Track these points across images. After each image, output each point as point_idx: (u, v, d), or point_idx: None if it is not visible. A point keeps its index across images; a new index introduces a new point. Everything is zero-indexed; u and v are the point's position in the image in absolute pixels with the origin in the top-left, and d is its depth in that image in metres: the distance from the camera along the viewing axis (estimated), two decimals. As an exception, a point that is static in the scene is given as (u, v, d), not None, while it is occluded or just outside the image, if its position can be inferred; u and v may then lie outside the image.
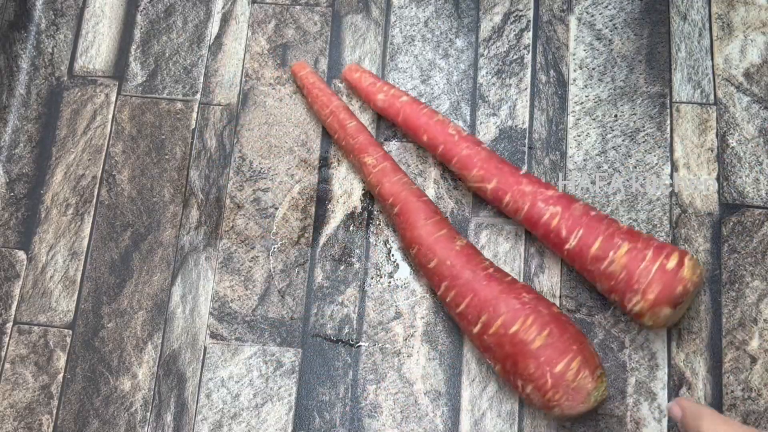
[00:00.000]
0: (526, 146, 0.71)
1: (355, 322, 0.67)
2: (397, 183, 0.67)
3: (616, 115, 0.72)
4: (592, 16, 0.75)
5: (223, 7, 0.76)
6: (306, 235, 0.69)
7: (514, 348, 0.59)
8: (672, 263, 0.60)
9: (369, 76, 0.72)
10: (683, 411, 0.55)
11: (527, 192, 0.65)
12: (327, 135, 0.72)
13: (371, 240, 0.69)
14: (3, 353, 0.67)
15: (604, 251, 0.62)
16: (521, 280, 0.67)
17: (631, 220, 0.68)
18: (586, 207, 0.64)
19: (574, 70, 0.73)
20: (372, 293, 0.68)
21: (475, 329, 0.61)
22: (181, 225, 0.69)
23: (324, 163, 0.71)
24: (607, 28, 0.74)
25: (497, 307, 0.60)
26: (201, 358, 0.66)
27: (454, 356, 0.66)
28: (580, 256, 0.64)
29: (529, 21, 0.75)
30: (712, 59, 0.73)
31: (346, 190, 0.70)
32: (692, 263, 0.60)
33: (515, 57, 0.73)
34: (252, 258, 0.68)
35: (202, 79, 0.74)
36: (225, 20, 0.76)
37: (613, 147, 0.71)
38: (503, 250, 0.68)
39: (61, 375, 0.66)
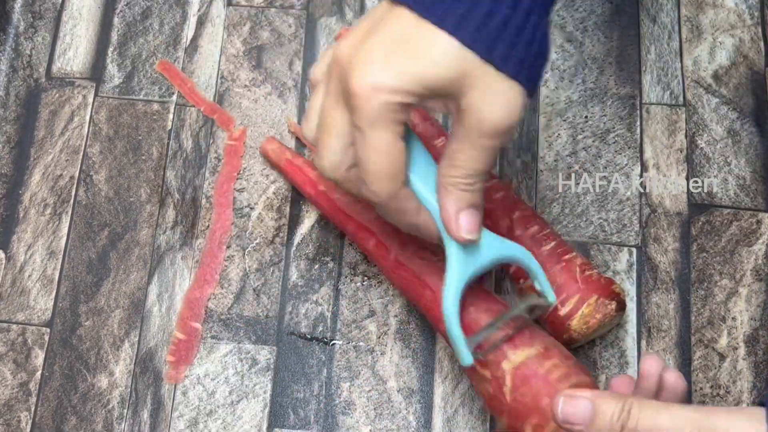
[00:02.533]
0: (498, 147, 0.71)
1: (329, 320, 0.67)
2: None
3: (586, 117, 0.72)
4: (563, 18, 0.75)
5: (198, 10, 0.77)
6: (281, 234, 0.70)
7: None
8: (565, 309, 0.62)
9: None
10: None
11: None
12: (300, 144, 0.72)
13: (345, 239, 0.69)
14: (-19, 351, 0.67)
15: (516, 276, 0.65)
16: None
17: (601, 220, 0.69)
18: (518, 221, 0.65)
19: (546, 72, 0.74)
20: (346, 292, 0.68)
21: None
22: (158, 224, 0.70)
23: (299, 163, 0.71)
24: (577, 30, 0.75)
25: None
26: (177, 355, 0.67)
27: (426, 354, 0.66)
28: (505, 270, 0.67)
29: (501, 23, 0.75)
30: (681, 61, 0.74)
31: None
32: (589, 310, 0.61)
33: (487, 59, 0.74)
34: (227, 257, 0.69)
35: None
36: (201, 23, 0.76)
37: (583, 148, 0.71)
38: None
39: (39, 372, 0.66)
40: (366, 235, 0.65)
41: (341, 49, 0.49)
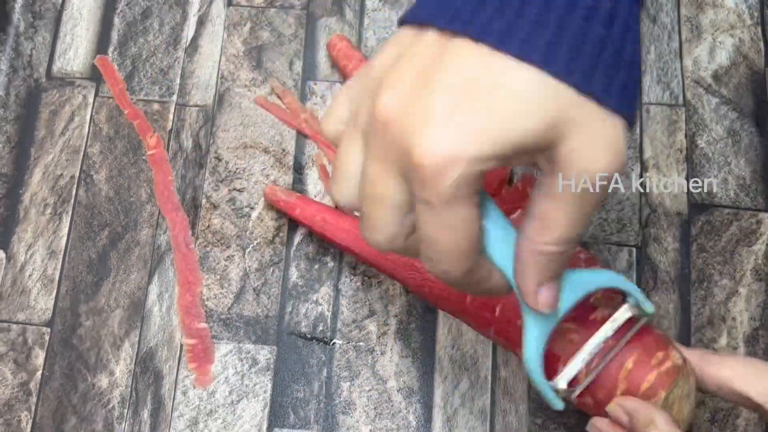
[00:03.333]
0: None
1: (329, 320, 0.67)
2: None
3: (586, 117, 0.72)
4: (563, 18, 0.75)
5: (199, 10, 0.77)
6: (281, 234, 0.70)
7: None
8: None
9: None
10: (631, 414, 0.49)
11: None
12: (301, 135, 0.72)
13: (345, 239, 0.69)
14: (-18, 351, 0.67)
15: None
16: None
17: (601, 220, 0.69)
18: (520, 217, 0.64)
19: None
20: (346, 292, 0.68)
21: None
22: (158, 224, 0.70)
23: (299, 163, 0.71)
24: (577, 30, 0.75)
25: None
26: (177, 355, 0.67)
27: (426, 354, 0.66)
28: None
29: (501, 23, 0.75)
30: (681, 61, 0.74)
31: (321, 190, 0.70)
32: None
33: (487, 59, 0.74)
34: (227, 257, 0.69)
35: (178, 80, 0.74)
36: (201, 23, 0.76)
37: (583, 148, 0.71)
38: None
39: (40, 372, 0.66)
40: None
41: (387, 105, 0.39)
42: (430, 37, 0.39)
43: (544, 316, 0.45)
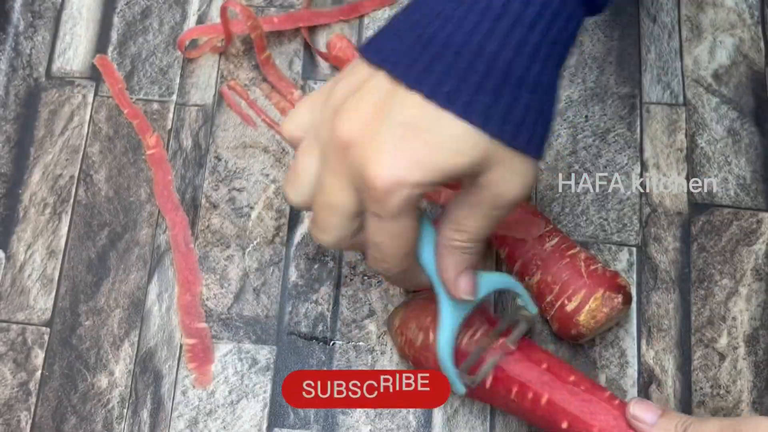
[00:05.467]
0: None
1: (329, 320, 0.67)
2: None
3: (586, 116, 0.72)
4: (564, 18, 0.75)
5: (198, 9, 0.76)
6: (281, 234, 0.70)
7: None
8: (572, 305, 0.62)
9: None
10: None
11: None
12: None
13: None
14: (-19, 351, 0.67)
15: (522, 273, 0.65)
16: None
17: (601, 220, 0.69)
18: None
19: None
20: (346, 292, 0.68)
21: None
22: (158, 224, 0.70)
23: (298, 163, 0.71)
24: (577, 29, 0.75)
25: None
26: (177, 355, 0.67)
27: (426, 353, 0.66)
28: (510, 267, 0.67)
29: (501, 23, 0.75)
30: (682, 61, 0.74)
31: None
32: (596, 304, 0.61)
33: (487, 58, 0.74)
34: (227, 257, 0.69)
35: (178, 80, 0.74)
36: (201, 22, 0.76)
37: (583, 147, 0.71)
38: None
39: (39, 372, 0.66)
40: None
41: (347, 129, 0.48)
42: (383, 78, 0.48)
43: (458, 306, 0.55)
